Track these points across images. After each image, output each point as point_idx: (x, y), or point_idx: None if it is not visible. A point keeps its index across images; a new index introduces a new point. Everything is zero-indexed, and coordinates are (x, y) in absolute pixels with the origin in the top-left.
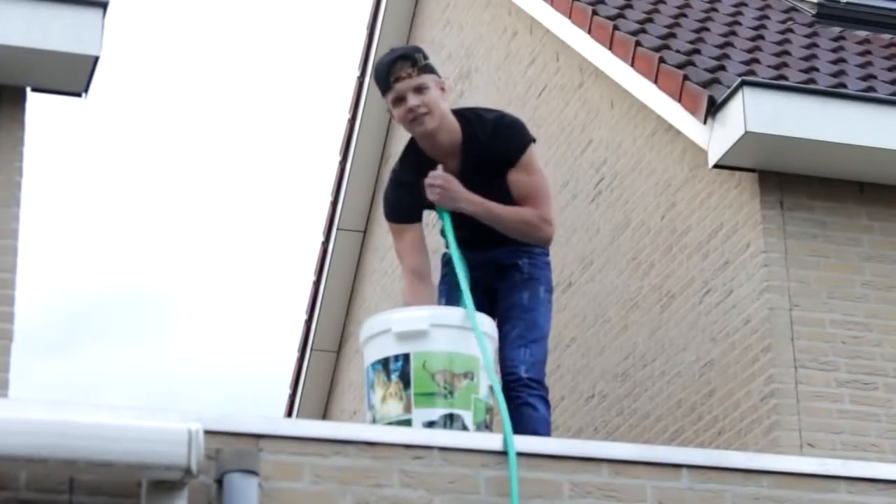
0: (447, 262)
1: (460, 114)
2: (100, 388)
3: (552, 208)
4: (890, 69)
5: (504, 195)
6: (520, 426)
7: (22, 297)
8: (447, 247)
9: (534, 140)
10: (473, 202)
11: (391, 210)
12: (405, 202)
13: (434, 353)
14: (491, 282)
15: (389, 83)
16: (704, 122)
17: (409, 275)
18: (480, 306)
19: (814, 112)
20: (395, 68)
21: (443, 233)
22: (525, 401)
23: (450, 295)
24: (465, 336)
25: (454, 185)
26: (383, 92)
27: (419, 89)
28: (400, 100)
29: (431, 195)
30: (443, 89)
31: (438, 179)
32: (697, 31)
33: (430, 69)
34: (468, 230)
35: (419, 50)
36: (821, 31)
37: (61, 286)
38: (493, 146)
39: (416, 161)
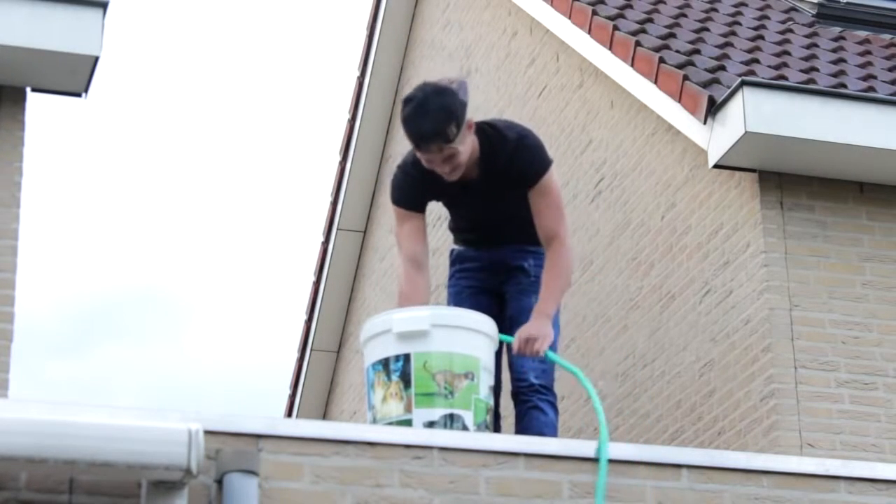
0: (454, 261)
1: (481, 129)
2: (111, 389)
3: (566, 221)
4: (890, 69)
5: (517, 203)
6: (527, 428)
7: (33, 298)
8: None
9: (551, 161)
10: (549, 318)
11: (396, 194)
12: (410, 193)
13: (435, 354)
14: (497, 283)
15: (419, 147)
16: (704, 123)
17: (406, 262)
18: (487, 308)
19: (814, 112)
20: (426, 143)
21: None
22: (535, 404)
23: (458, 297)
24: (465, 336)
25: (543, 331)
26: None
27: (449, 158)
28: (429, 159)
29: (532, 351)
30: (469, 127)
31: (531, 336)
32: (697, 31)
33: (460, 127)
34: (474, 231)
35: (451, 115)
36: (821, 31)
37: (73, 288)
38: (512, 166)
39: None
